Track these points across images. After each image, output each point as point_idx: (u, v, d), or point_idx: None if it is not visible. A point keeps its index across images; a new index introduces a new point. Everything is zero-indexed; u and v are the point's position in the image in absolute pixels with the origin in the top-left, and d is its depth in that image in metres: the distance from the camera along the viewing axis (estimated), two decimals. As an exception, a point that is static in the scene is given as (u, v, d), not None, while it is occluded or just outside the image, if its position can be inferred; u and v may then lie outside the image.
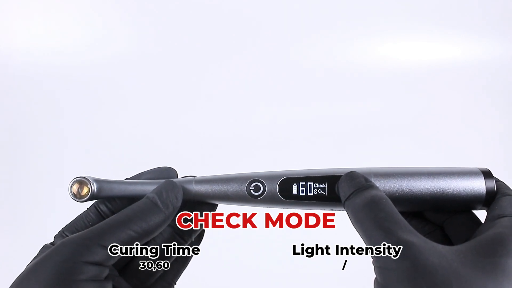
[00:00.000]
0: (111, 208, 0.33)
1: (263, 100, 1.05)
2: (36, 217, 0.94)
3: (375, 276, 0.27)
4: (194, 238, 0.36)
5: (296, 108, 1.05)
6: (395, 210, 0.28)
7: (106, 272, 0.28)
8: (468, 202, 0.32)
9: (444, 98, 1.11)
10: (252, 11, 1.06)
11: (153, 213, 0.29)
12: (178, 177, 0.34)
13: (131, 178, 0.34)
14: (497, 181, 0.33)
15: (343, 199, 0.30)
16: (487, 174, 0.32)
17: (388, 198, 0.29)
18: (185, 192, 0.32)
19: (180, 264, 0.36)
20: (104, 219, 0.32)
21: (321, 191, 0.32)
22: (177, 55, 1.05)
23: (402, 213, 0.33)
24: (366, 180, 0.30)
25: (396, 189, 0.32)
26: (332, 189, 0.32)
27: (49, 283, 0.25)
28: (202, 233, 0.38)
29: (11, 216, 0.96)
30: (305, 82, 1.08)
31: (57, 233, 0.32)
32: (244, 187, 0.32)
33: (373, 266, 0.29)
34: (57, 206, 0.90)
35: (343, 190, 0.30)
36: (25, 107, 1.03)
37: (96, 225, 0.28)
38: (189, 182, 0.32)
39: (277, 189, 0.32)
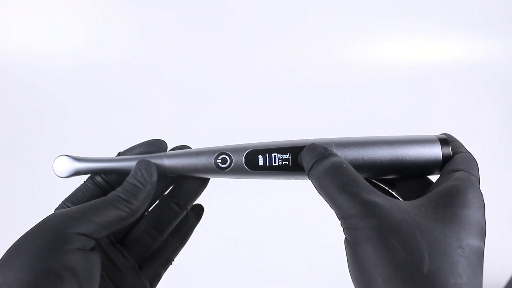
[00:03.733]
0: (106, 179, 0.34)
1: (262, 100, 1.07)
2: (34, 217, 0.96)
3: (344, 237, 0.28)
4: (194, 216, 0.38)
5: (293, 108, 1.06)
6: (356, 174, 0.29)
7: (92, 243, 0.29)
8: (425, 168, 0.33)
9: (444, 98, 1.11)
10: (250, 12, 1.08)
11: (134, 194, 0.31)
12: (168, 149, 0.36)
13: (125, 151, 0.35)
14: (453, 140, 0.34)
15: (306, 170, 0.31)
16: (443, 141, 0.33)
17: (348, 163, 0.30)
18: (157, 167, 0.33)
19: (179, 241, 0.38)
20: (101, 189, 0.34)
21: (285, 162, 0.33)
22: (175, 56, 1.07)
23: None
24: (326, 149, 0.31)
25: (357, 157, 0.33)
26: (295, 159, 0.33)
27: (38, 251, 0.26)
28: (201, 210, 0.39)
29: (11, 217, 0.98)
30: (302, 81, 1.09)
31: (57, 205, 0.34)
32: (212, 160, 0.33)
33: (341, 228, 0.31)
34: (47, 212, 0.92)
35: (305, 162, 0.31)
36: (25, 108, 1.06)
37: (86, 203, 0.30)
38: (160, 157, 0.34)
39: (243, 161, 0.33)
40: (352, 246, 0.27)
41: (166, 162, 0.34)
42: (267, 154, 0.33)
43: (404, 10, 1.10)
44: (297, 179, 0.34)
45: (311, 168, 0.30)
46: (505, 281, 0.84)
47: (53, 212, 0.33)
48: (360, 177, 0.29)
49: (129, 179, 0.32)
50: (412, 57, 1.11)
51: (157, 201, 0.37)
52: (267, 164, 0.33)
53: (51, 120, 1.04)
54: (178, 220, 0.37)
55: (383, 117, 1.05)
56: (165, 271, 0.37)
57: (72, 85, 1.06)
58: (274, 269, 0.91)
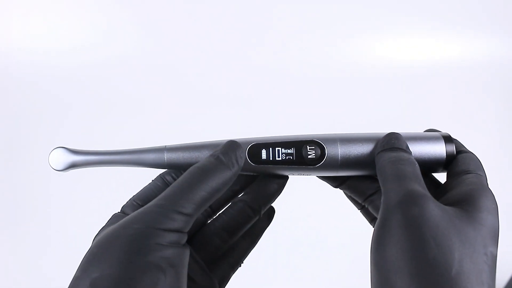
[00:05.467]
0: (177, 179, 0.33)
1: (261, 100, 1.06)
2: (33, 219, 0.96)
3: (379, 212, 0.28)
4: (265, 218, 0.37)
5: (293, 109, 1.06)
6: (420, 174, 0.29)
7: (185, 238, 0.28)
8: (429, 165, 0.33)
9: (443, 98, 1.11)
10: (251, 12, 1.07)
11: (220, 171, 0.29)
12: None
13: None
14: (454, 139, 0.34)
15: (379, 149, 0.32)
16: (447, 139, 0.33)
17: (413, 159, 0.30)
18: (158, 160, 0.33)
19: (249, 243, 0.36)
20: None
21: (289, 156, 0.33)
22: (177, 53, 1.07)
23: (367, 176, 0.35)
24: (407, 147, 0.32)
25: (362, 153, 0.33)
26: (299, 154, 0.33)
27: (131, 245, 0.25)
28: (272, 212, 0.38)
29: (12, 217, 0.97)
30: (302, 80, 1.08)
31: (126, 202, 0.33)
32: None
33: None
34: (54, 208, 0.92)
35: (385, 141, 0.32)
36: (25, 106, 1.05)
37: (168, 190, 0.28)
38: (161, 150, 0.33)
39: (246, 154, 0.33)
40: (383, 233, 0.26)
41: (167, 155, 0.33)
42: (270, 148, 0.33)
43: (404, 10, 1.10)
44: (300, 174, 0.34)
45: (384, 150, 0.31)
46: (505, 281, 0.84)
47: (120, 209, 0.32)
48: (416, 171, 0.29)
49: (215, 154, 0.30)
50: (412, 57, 1.11)
51: (230, 203, 0.36)
52: (271, 158, 0.33)
53: (51, 118, 1.04)
54: (250, 224, 0.35)
55: (382, 116, 1.05)
56: (233, 273, 0.36)
57: (72, 84, 1.06)
58: (274, 268, 0.91)
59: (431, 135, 0.33)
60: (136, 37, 1.08)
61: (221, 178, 0.29)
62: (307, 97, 1.08)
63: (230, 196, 0.36)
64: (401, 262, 0.24)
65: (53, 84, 1.05)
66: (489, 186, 0.29)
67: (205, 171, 0.29)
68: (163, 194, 0.28)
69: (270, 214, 0.38)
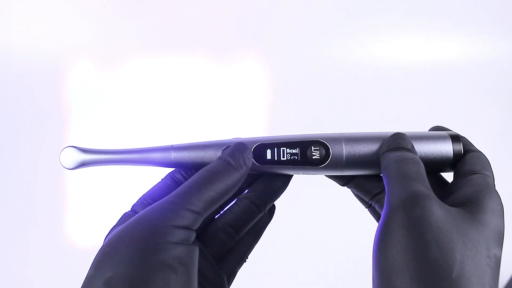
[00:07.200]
0: (186, 177, 0.34)
1: (265, 100, 1.06)
2: (41, 218, 0.96)
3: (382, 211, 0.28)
4: (267, 214, 0.38)
5: (297, 108, 1.06)
6: (425, 174, 0.29)
7: (193, 236, 0.28)
8: (436, 164, 0.33)
9: (444, 98, 1.11)
10: (252, 11, 1.07)
11: (228, 173, 0.30)
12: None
13: None
14: (461, 137, 0.33)
15: (384, 149, 0.32)
16: (454, 138, 0.33)
17: (418, 158, 0.30)
18: (164, 159, 0.33)
19: (253, 238, 0.37)
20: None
21: (294, 156, 0.33)
22: (177, 53, 1.07)
23: (375, 175, 0.35)
24: (413, 147, 0.32)
25: (367, 152, 0.33)
26: (303, 154, 0.33)
27: (143, 244, 0.26)
28: (273, 207, 0.38)
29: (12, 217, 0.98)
30: (306, 79, 1.08)
31: (136, 201, 0.33)
32: (220, 153, 0.33)
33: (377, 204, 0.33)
34: (64, 207, 0.92)
35: (390, 141, 0.32)
36: (26, 108, 1.05)
37: (179, 189, 0.29)
38: (168, 149, 0.34)
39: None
40: (386, 233, 0.26)
41: (174, 154, 0.34)
42: (275, 148, 0.33)
43: (404, 9, 1.10)
44: (305, 174, 0.34)
45: (390, 150, 0.31)
46: (505, 281, 0.84)
47: (131, 208, 0.33)
48: (421, 171, 0.29)
49: (223, 157, 0.31)
50: (411, 57, 1.11)
51: (235, 200, 0.36)
52: (275, 159, 0.33)
53: (51, 119, 1.03)
54: (255, 220, 0.36)
55: (383, 116, 1.05)
56: (239, 268, 0.36)
57: (72, 85, 1.06)
58: (275, 268, 0.91)
59: (438, 134, 0.33)
60: (138, 36, 1.08)
61: (230, 179, 0.30)
62: (311, 96, 1.08)
63: (236, 193, 0.36)
64: (402, 264, 0.24)
65: (53, 85, 1.06)
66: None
67: (214, 173, 0.29)
68: (173, 193, 0.29)
69: (271, 209, 0.38)
